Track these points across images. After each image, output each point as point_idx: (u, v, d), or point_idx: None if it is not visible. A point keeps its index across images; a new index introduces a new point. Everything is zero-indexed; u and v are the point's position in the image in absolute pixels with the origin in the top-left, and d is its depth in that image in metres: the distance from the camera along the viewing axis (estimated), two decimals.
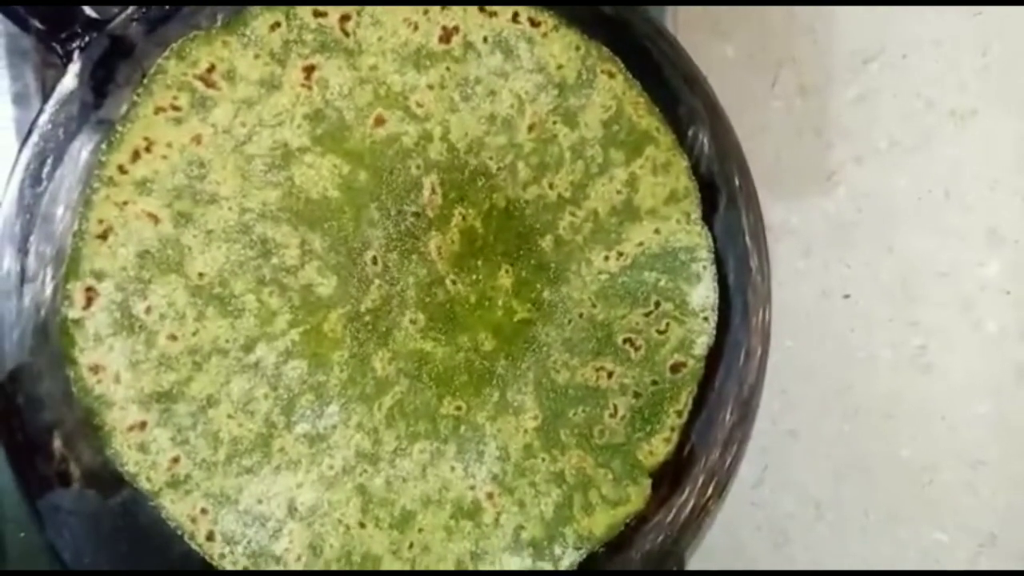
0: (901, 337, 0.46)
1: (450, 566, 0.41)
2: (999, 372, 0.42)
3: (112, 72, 0.34)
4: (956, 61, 0.42)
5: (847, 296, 0.49)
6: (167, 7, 0.35)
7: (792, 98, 0.51)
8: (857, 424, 0.49)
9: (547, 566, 0.42)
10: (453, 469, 0.42)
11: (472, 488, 0.42)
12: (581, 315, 0.43)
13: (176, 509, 0.37)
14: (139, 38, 0.34)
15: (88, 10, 0.34)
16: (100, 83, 0.34)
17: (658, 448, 0.44)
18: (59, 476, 0.34)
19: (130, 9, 0.34)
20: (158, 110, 0.35)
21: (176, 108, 0.35)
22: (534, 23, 0.41)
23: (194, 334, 0.37)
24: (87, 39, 0.33)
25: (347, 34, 0.38)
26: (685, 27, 0.53)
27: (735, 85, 0.49)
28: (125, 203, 0.35)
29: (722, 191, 0.44)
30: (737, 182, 0.44)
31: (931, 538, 0.45)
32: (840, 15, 0.47)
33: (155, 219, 0.36)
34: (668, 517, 0.44)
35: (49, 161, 0.33)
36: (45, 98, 0.35)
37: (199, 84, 0.36)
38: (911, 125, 0.44)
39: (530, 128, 0.42)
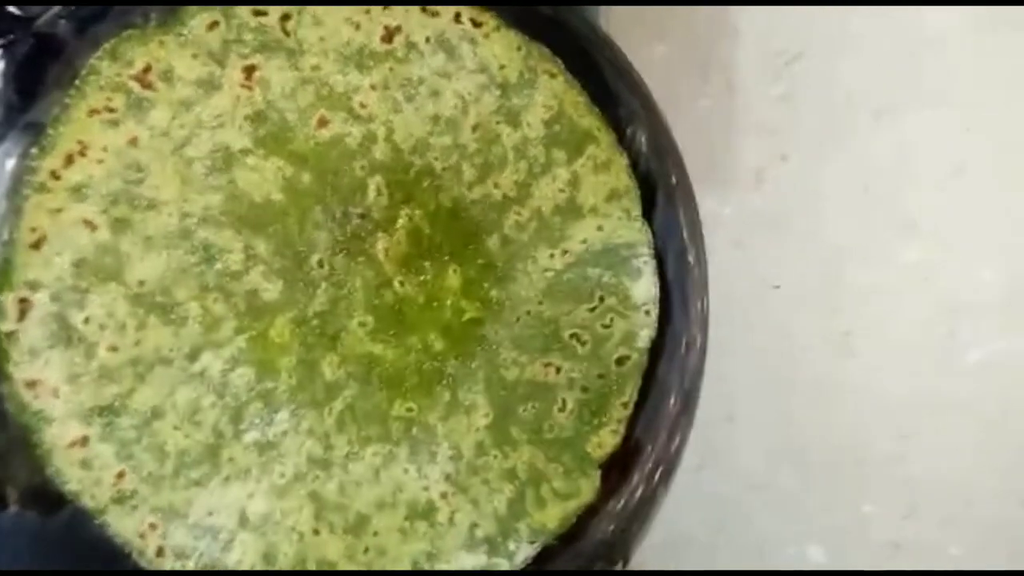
0: (828, 323, 0.48)
1: (406, 567, 0.41)
2: (920, 352, 0.44)
3: (40, 73, 0.32)
4: (877, 60, 0.45)
5: (777, 287, 0.51)
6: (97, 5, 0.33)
7: (721, 97, 0.53)
8: (791, 407, 0.51)
9: (502, 561, 0.43)
10: (406, 471, 0.42)
11: (426, 489, 0.42)
12: (529, 312, 0.44)
13: (123, 525, 0.35)
14: (69, 37, 0.33)
15: (12, 8, 0.32)
16: (27, 84, 0.32)
17: (606, 440, 0.45)
18: None
19: (57, 7, 0.32)
20: (92, 112, 0.34)
21: (111, 110, 0.34)
22: (476, 23, 0.41)
23: (136, 344, 0.36)
24: (11, 38, 0.31)
25: (288, 34, 0.37)
26: (616, 28, 0.54)
27: (666, 84, 0.50)
28: (59, 210, 0.33)
29: (660, 188, 0.45)
30: (674, 179, 0.45)
31: (860, 511, 0.48)
32: (765, 15, 0.49)
33: (91, 226, 0.34)
34: (618, 506, 0.45)
35: None
36: None
37: (135, 85, 0.34)
38: (834, 122, 0.47)
39: (474, 128, 0.42)
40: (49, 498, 0.34)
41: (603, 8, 0.53)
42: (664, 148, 0.45)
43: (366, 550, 0.40)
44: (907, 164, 0.44)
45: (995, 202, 0.44)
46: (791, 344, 0.51)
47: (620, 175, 0.44)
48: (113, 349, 0.35)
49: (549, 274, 0.44)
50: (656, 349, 0.45)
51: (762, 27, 0.50)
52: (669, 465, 0.46)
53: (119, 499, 0.35)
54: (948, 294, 0.43)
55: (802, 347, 0.50)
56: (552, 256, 0.44)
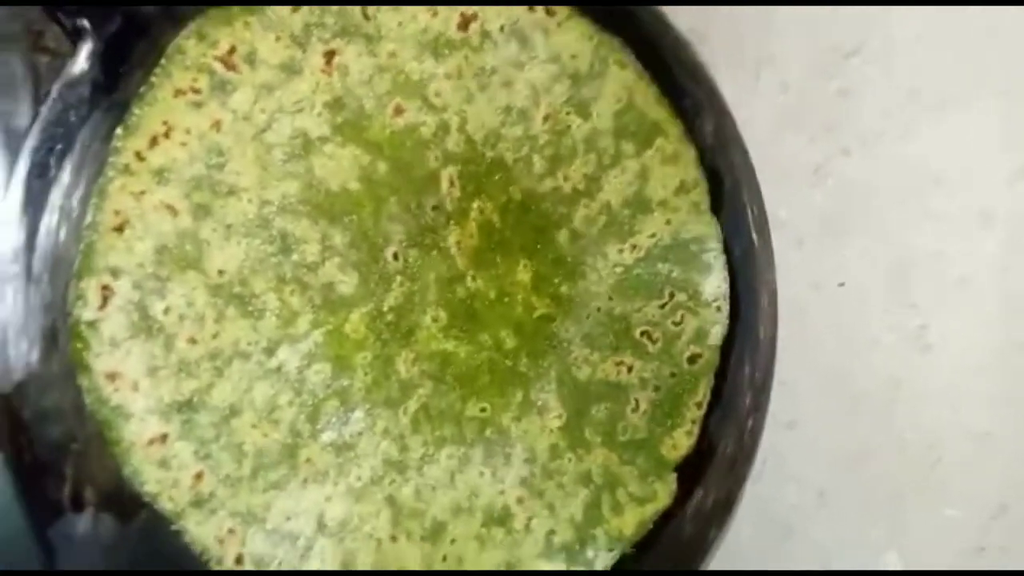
0: (899, 320, 0.48)
1: None
2: (999, 346, 0.45)
3: (127, 51, 0.32)
4: (936, 52, 0.46)
5: (842, 284, 0.51)
6: None
7: (774, 95, 0.53)
8: (858, 410, 0.51)
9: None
10: (481, 474, 0.41)
11: (501, 493, 0.41)
12: (599, 309, 0.44)
13: (201, 531, 0.34)
14: (155, 15, 0.32)
15: None
16: (114, 63, 0.32)
17: (680, 441, 0.44)
18: (72, 500, 0.31)
19: None
20: (177, 93, 0.33)
21: (196, 91, 0.34)
22: (550, 12, 0.41)
23: (214, 337, 0.35)
24: (100, 15, 0.31)
25: (368, 18, 0.37)
26: None
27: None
28: (142, 193, 0.33)
29: (726, 180, 0.46)
30: (740, 171, 0.46)
31: (942, 515, 0.47)
32: (818, 12, 0.50)
33: (173, 211, 0.34)
34: (694, 511, 0.44)
35: (58, 148, 0.31)
36: (36, 82, 0.32)
37: (219, 66, 0.34)
38: (895, 115, 0.47)
39: (545, 119, 0.42)
40: (126, 500, 0.32)
41: None
42: (730, 139, 0.46)
43: (444, 558, 0.39)
44: (978, 154, 0.44)
45: None
46: (858, 343, 0.51)
47: (688, 167, 0.45)
48: (192, 341, 0.34)
49: (618, 269, 0.44)
50: (727, 345, 0.45)
51: (816, 23, 0.51)
52: (744, 465, 0.45)
53: (197, 502, 0.34)
54: None
55: (870, 345, 0.50)
56: (621, 251, 0.44)
